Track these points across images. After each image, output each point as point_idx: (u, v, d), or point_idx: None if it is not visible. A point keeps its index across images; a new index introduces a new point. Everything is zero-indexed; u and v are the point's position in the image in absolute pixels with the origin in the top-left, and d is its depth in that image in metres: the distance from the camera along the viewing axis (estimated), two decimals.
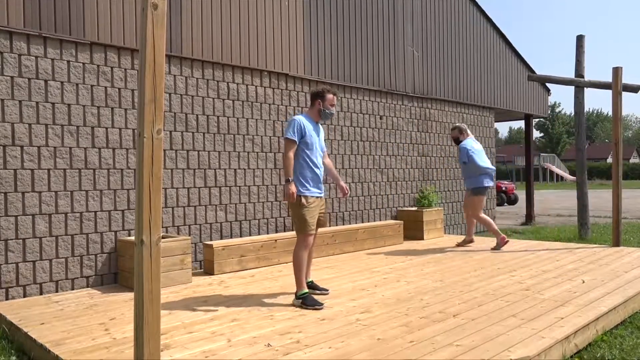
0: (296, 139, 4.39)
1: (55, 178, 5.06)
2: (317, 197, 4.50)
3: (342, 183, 4.81)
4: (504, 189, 19.95)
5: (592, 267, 5.78)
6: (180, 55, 5.94)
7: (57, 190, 5.07)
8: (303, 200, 4.40)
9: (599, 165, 51.13)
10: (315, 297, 4.52)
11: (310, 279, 4.80)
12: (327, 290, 4.78)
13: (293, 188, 4.33)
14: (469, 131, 7.49)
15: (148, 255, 2.65)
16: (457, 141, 7.47)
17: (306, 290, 4.42)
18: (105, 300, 4.71)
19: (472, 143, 7.34)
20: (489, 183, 7.25)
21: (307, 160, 4.45)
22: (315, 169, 4.50)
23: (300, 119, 4.47)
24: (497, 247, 7.21)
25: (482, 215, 7.32)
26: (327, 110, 4.57)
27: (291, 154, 4.38)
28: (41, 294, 4.96)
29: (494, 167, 7.44)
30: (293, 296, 4.54)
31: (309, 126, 4.48)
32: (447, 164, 9.82)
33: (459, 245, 7.62)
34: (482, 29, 10.70)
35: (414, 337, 3.42)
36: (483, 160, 7.24)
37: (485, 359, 3.00)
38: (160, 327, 2.75)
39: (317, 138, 4.59)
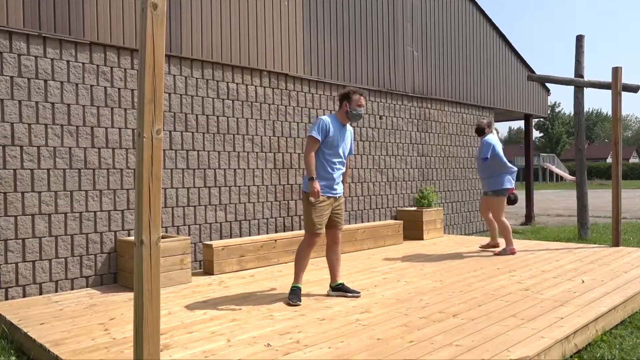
0: (320, 138, 4.39)
1: (54, 178, 5.06)
2: (329, 196, 4.47)
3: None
4: None
5: (592, 267, 5.79)
6: (180, 55, 5.93)
7: (56, 190, 5.07)
8: (311, 197, 4.39)
9: (599, 165, 51.13)
10: (347, 298, 4.56)
11: (340, 281, 4.72)
12: (359, 292, 4.67)
13: (317, 185, 4.34)
14: (494, 128, 6.98)
15: (148, 255, 2.65)
16: (481, 132, 6.88)
17: (298, 284, 4.51)
18: (104, 300, 4.70)
19: (496, 139, 6.84)
20: (511, 184, 6.77)
21: (325, 160, 4.45)
22: (331, 171, 4.48)
23: (327, 119, 4.47)
24: (502, 253, 6.73)
25: (504, 219, 6.81)
26: (354, 111, 4.53)
27: (312, 153, 4.38)
28: (41, 294, 4.96)
29: (515, 168, 6.88)
30: None
31: (334, 127, 4.47)
32: (447, 164, 9.82)
33: (482, 248, 7.23)
34: (481, 29, 10.70)
35: (413, 337, 3.42)
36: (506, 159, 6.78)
37: (484, 358, 3.00)
38: (160, 327, 2.74)
39: (342, 141, 4.56)
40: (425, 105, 9.33)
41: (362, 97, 4.57)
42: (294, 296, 4.43)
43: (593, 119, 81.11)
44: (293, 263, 4.58)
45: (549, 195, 25.94)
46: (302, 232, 6.83)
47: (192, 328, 3.75)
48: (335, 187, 4.53)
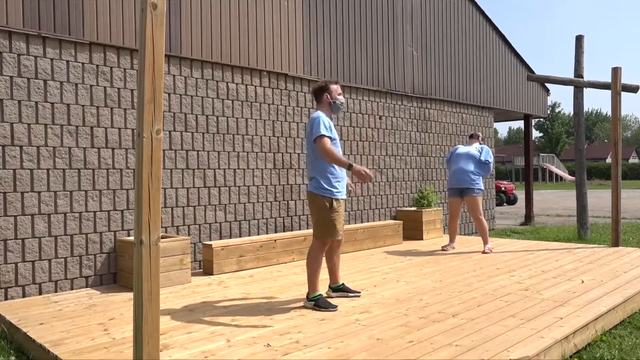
0: (329, 135, 4.11)
1: (54, 178, 5.06)
2: (344, 198, 4.29)
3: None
4: (503, 189, 19.96)
5: (591, 267, 5.79)
6: (180, 55, 5.93)
7: (56, 190, 5.07)
8: (334, 203, 4.15)
9: (598, 165, 51.17)
10: (346, 298, 4.47)
11: (341, 282, 4.64)
12: (360, 292, 4.62)
13: (362, 167, 4.05)
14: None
15: (147, 255, 2.65)
16: (476, 138, 7.44)
17: (319, 292, 4.27)
18: (104, 300, 4.70)
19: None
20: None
21: None
22: (342, 169, 4.26)
23: (324, 115, 4.21)
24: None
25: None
26: (337, 101, 4.32)
27: (331, 147, 4.08)
28: (40, 294, 4.96)
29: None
30: (292, 296, 4.53)
31: (331, 122, 4.23)
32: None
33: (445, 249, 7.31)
34: (481, 29, 10.70)
35: (413, 337, 3.42)
36: None
37: (484, 359, 3.00)
38: (159, 327, 2.74)
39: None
40: (424, 105, 9.33)
41: (339, 86, 4.39)
42: (325, 304, 4.17)
43: (593, 119, 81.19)
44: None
45: (549, 196, 25.95)
46: (302, 232, 6.83)
47: (192, 328, 3.75)
48: (345, 184, 4.37)
